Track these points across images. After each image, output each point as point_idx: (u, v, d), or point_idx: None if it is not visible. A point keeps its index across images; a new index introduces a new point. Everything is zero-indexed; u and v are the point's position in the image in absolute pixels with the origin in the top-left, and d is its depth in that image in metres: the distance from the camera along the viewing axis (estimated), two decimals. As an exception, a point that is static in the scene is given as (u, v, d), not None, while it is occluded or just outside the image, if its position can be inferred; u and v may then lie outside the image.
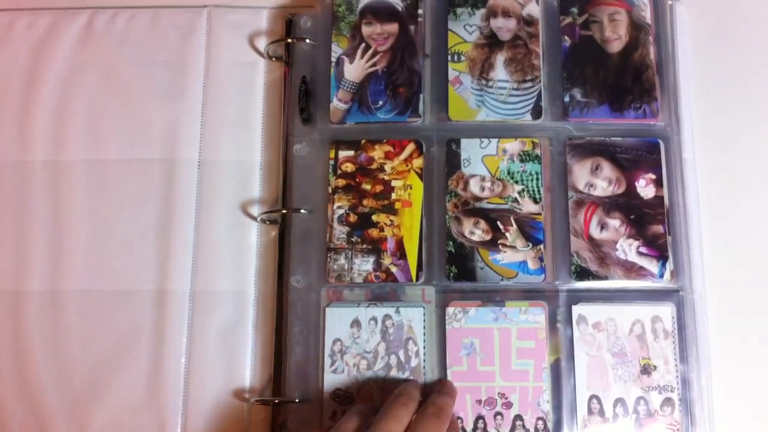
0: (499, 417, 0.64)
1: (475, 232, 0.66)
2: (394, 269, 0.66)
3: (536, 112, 0.68)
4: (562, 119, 0.69)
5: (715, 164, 0.70)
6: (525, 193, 0.67)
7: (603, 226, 0.66)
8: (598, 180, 0.67)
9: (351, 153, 0.69)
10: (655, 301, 0.65)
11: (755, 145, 0.71)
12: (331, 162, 0.68)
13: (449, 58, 0.70)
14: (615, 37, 0.70)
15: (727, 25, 0.73)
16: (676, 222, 0.66)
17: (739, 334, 0.67)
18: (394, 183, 0.68)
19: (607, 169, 0.67)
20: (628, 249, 0.66)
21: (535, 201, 0.67)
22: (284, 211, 0.68)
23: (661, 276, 0.65)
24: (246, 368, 0.67)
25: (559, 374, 0.64)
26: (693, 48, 0.72)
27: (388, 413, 0.58)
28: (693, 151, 0.69)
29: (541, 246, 0.66)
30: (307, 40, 0.72)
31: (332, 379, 0.65)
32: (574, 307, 0.65)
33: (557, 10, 0.71)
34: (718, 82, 0.72)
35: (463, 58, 0.70)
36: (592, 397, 0.64)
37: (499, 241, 0.66)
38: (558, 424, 0.63)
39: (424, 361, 0.65)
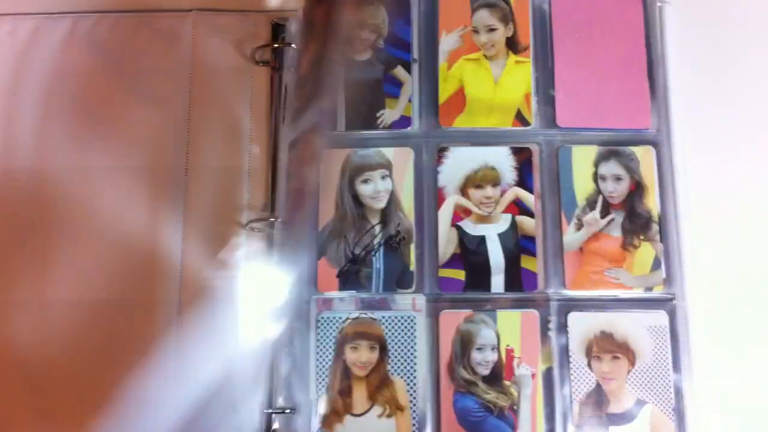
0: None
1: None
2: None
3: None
4: (553, 126, 0.68)
5: (705, 169, 0.69)
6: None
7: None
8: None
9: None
10: (648, 309, 0.65)
11: (746, 148, 0.70)
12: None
13: (439, 63, 0.70)
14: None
15: (717, 27, 0.73)
16: (668, 230, 0.66)
17: (731, 342, 0.66)
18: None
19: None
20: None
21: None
22: (272, 219, 0.67)
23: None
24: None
25: (552, 383, 0.64)
26: (682, 50, 0.71)
27: None
28: (684, 155, 0.68)
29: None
30: (294, 45, 0.71)
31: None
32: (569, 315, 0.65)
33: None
34: (708, 84, 0.71)
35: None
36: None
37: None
38: (551, 433, 0.63)
39: (416, 370, 0.64)
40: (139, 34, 0.72)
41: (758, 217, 0.69)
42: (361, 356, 0.65)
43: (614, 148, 0.67)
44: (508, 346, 0.64)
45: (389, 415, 0.64)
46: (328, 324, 0.65)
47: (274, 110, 0.70)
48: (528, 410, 0.63)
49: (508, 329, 0.64)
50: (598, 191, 0.67)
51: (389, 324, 0.65)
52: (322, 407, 0.64)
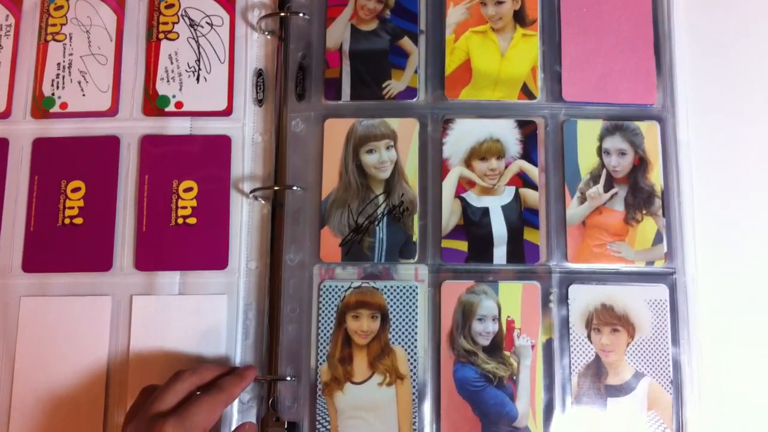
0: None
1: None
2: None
3: (532, 92, 0.68)
4: (558, 99, 0.69)
5: (709, 145, 0.69)
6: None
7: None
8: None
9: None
10: (649, 283, 0.65)
11: (750, 126, 0.70)
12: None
13: (446, 34, 0.70)
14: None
15: (724, 5, 0.72)
16: (671, 204, 0.66)
17: (730, 317, 0.67)
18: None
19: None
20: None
21: (530, 181, 0.67)
22: (277, 188, 0.68)
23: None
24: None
25: (552, 354, 0.64)
26: (689, 27, 0.71)
27: (164, 388, 0.59)
28: (688, 131, 0.68)
29: (536, 226, 0.66)
30: (302, 15, 0.71)
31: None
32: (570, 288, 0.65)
33: None
34: (714, 61, 0.71)
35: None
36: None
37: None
38: (549, 404, 0.64)
39: (417, 340, 0.65)
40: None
41: (760, 193, 0.69)
42: (363, 325, 0.65)
43: (619, 123, 0.68)
44: (508, 317, 0.65)
45: (389, 384, 0.64)
46: (330, 292, 0.66)
47: (279, 80, 0.70)
48: (527, 381, 0.64)
49: (510, 300, 0.65)
50: (602, 165, 0.67)
51: (391, 293, 0.65)
52: (323, 375, 0.64)
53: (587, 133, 0.68)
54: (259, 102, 0.71)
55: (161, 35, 0.72)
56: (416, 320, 0.65)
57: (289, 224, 0.67)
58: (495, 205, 0.67)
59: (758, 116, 0.70)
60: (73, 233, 0.68)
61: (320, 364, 0.65)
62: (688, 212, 0.66)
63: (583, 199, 0.67)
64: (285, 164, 0.68)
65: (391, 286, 0.66)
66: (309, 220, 0.67)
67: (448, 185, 0.67)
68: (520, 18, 0.70)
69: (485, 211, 0.67)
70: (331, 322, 0.65)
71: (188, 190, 0.69)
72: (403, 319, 0.65)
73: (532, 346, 0.64)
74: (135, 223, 0.69)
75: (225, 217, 0.68)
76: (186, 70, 0.71)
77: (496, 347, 0.64)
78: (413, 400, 0.64)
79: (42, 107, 0.70)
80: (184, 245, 0.68)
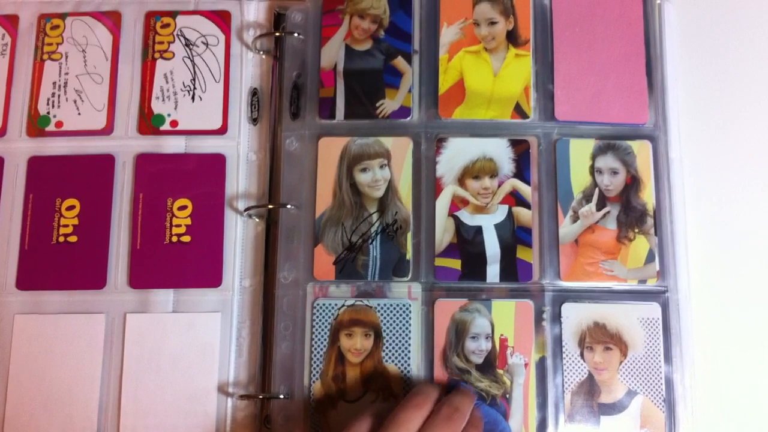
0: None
1: (462, 230, 0.67)
2: (381, 266, 0.66)
3: (525, 111, 0.69)
4: (551, 119, 0.69)
5: (701, 164, 0.70)
6: (513, 191, 0.68)
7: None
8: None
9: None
10: (641, 301, 0.65)
11: (741, 145, 0.71)
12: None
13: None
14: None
15: (715, 25, 0.73)
16: (663, 223, 0.67)
17: (723, 335, 0.67)
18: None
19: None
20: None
21: (523, 200, 0.67)
22: (271, 206, 0.68)
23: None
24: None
25: (545, 372, 0.65)
26: (680, 47, 0.72)
27: (399, 416, 0.57)
28: (680, 150, 0.69)
29: (529, 245, 0.67)
30: (296, 35, 0.71)
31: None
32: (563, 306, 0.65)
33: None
34: (705, 81, 0.72)
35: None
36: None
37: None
38: (543, 422, 0.64)
39: (410, 358, 0.65)
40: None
41: (752, 212, 0.69)
42: (356, 343, 0.65)
43: (611, 142, 0.68)
44: (502, 335, 0.65)
45: (382, 402, 0.64)
46: (323, 310, 0.66)
47: (274, 99, 0.71)
48: (520, 399, 0.64)
49: (503, 319, 0.65)
50: (595, 184, 0.67)
51: (385, 311, 0.66)
52: (316, 393, 0.64)
53: (580, 152, 0.68)
54: (254, 121, 0.71)
55: (157, 54, 0.72)
56: (409, 338, 0.65)
57: (283, 242, 0.68)
58: (488, 223, 0.67)
59: (750, 134, 0.71)
60: (67, 251, 0.68)
61: (313, 381, 0.65)
62: (681, 231, 0.67)
63: (575, 218, 0.67)
64: (279, 182, 0.69)
65: (385, 304, 0.66)
66: (303, 239, 0.67)
67: (442, 204, 0.68)
68: (513, 38, 0.71)
69: (478, 230, 0.67)
70: (325, 340, 0.65)
71: (183, 208, 0.69)
72: (397, 337, 0.65)
73: (525, 365, 0.64)
74: (129, 241, 0.69)
75: (219, 235, 0.69)
76: (181, 89, 0.71)
77: (490, 365, 0.65)
78: (406, 418, 0.64)
79: (37, 126, 0.71)
80: (178, 263, 0.68)
